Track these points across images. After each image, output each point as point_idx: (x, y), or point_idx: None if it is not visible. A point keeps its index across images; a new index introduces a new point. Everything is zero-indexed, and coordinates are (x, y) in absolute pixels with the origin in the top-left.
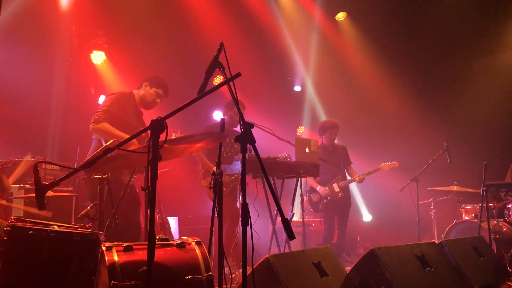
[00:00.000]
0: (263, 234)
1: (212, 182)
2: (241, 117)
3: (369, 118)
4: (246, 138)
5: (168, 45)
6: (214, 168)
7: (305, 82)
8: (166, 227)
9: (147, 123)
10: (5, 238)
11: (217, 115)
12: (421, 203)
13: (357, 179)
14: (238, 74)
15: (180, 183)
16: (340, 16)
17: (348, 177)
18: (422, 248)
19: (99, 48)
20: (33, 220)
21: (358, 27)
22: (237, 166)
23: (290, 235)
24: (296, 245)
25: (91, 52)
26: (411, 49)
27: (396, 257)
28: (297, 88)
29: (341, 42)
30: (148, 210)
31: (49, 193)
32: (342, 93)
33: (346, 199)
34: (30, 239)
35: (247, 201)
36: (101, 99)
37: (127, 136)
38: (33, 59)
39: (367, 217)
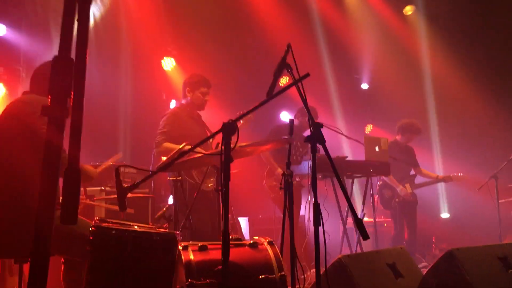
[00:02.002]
0: (333, 234)
1: (282, 183)
2: (311, 117)
3: (440, 114)
4: (316, 138)
5: (235, 49)
6: (278, 170)
7: (372, 80)
8: (237, 227)
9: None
10: (91, 238)
11: (284, 116)
12: (501, 201)
13: (439, 177)
14: (307, 75)
15: (250, 184)
16: (408, 10)
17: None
18: (505, 249)
19: (169, 54)
20: (114, 220)
21: (427, 21)
22: (305, 167)
23: (364, 235)
24: (367, 245)
25: (162, 58)
26: (484, 43)
27: (476, 259)
28: (364, 86)
29: (409, 37)
30: (222, 211)
31: (128, 195)
32: (411, 89)
33: (415, 198)
34: (113, 239)
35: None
36: (172, 104)
37: (188, 147)
38: (105, 67)
39: (445, 214)
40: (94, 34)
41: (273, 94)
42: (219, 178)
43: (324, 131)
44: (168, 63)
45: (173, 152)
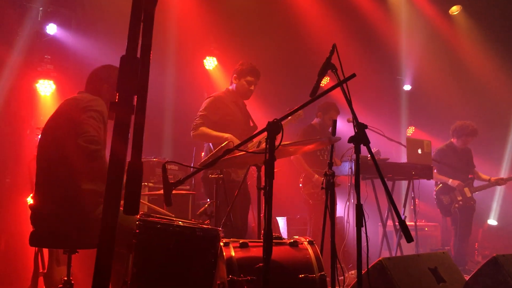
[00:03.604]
0: (372, 236)
1: (324, 183)
2: (355, 117)
3: (488, 117)
4: (360, 139)
5: (277, 49)
6: (316, 176)
7: (415, 81)
8: (275, 226)
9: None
10: (137, 231)
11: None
12: None
13: (493, 180)
14: (353, 75)
15: (288, 184)
16: (454, 9)
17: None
18: None
19: (211, 54)
20: (158, 215)
21: (473, 21)
22: (345, 168)
23: (408, 237)
24: (407, 249)
25: (204, 58)
26: None
27: None
28: (407, 87)
29: (455, 38)
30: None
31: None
32: (457, 92)
33: (474, 204)
34: (158, 233)
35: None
36: None
37: (225, 136)
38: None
39: (492, 221)
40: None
41: (319, 94)
42: (256, 174)
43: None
44: (210, 63)
45: (216, 148)
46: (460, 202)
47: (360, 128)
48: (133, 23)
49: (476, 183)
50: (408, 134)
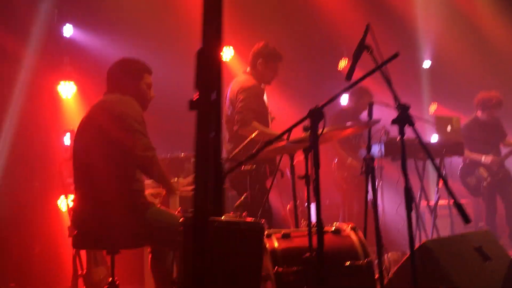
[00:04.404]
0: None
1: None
2: (397, 98)
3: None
4: (404, 120)
5: (294, 34)
6: (349, 160)
7: (435, 55)
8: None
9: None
10: (182, 228)
11: (344, 99)
12: None
13: None
14: (396, 55)
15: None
16: None
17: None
18: None
19: (227, 44)
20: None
21: None
22: (375, 150)
23: (466, 219)
24: (443, 230)
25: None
26: None
27: None
28: (427, 64)
29: (475, 9)
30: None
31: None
32: (479, 63)
33: (507, 176)
34: None
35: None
36: None
37: (277, 133)
38: (165, 55)
39: None
40: (155, 21)
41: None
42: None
43: (386, 112)
44: (227, 53)
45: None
46: (488, 179)
47: (404, 109)
48: (207, 13)
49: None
50: (431, 112)
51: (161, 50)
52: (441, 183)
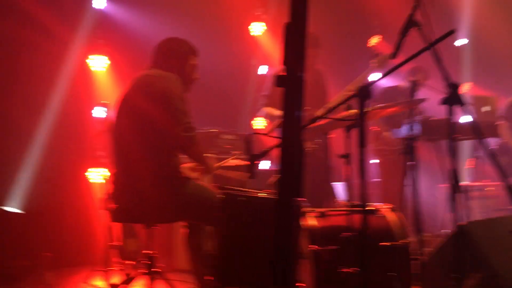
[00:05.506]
0: (434, 200)
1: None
2: (447, 77)
3: None
4: (454, 99)
5: (329, 12)
6: (384, 133)
7: (471, 35)
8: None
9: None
10: (221, 204)
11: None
12: None
13: None
14: (451, 32)
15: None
16: None
17: None
18: None
19: (258, 19)
20: (234, 187)
21: None
22: (405, 130)
23: None
24: (474, 212)
25: (249, 24)
26: None
27: None
28: (461, 41)
29: None
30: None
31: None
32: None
33: None
34: (242, 205)
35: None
36: (261, 70)
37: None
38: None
39: None
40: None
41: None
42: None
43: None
44: (258, 28)
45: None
46: None
47: (453, 88)
48: None
49: None
50: (464, 91)
51: (192, 27)
52: (473, 164)
